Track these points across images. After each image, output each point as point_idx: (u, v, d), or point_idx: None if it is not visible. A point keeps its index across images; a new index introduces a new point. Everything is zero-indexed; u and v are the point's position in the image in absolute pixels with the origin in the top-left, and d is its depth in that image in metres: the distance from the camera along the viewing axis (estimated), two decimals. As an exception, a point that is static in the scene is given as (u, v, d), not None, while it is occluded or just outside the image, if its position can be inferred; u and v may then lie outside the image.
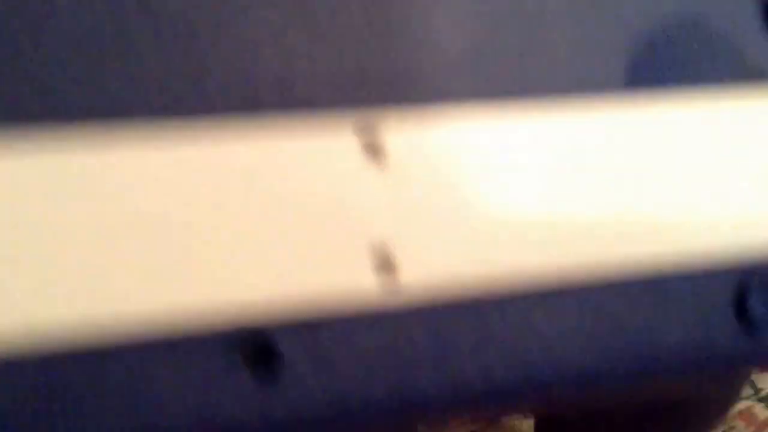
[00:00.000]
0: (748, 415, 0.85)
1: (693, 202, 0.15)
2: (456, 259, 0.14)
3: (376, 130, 0.13)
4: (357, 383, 0.13)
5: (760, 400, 0.85)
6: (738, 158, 0.15)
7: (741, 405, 0.84)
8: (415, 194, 0.14)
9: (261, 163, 0.13)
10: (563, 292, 0.14)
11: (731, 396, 0.46)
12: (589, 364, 0.14)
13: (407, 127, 0.13)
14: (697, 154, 0.15)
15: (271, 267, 0.13)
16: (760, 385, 0.83)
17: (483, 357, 0.14)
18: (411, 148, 0.14)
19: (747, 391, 0.83)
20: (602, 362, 0.14)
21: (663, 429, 0.44)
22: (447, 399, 0.15)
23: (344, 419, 0.13)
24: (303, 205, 0.13)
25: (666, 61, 0.15)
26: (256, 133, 0.13)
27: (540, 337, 0.14)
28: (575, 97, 0.14)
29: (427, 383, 0.14)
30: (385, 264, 0.13)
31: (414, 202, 0.13)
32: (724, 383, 0.43)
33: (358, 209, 0.13)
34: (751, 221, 0.15)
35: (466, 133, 0.14)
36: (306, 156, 0.13)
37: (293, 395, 0.13)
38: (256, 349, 0.13)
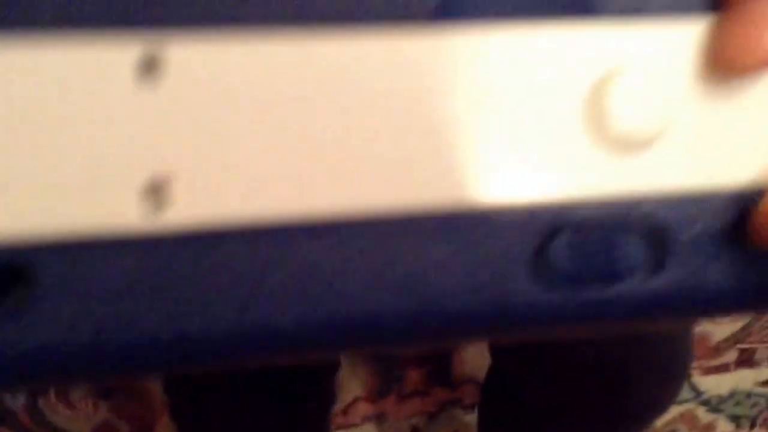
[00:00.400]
0: (690, 418, 0.86)
1: (498, 141, 0.14)
2: (231, 190, 0.13)
3: (157, 47, 0.13)
4: (117, 312, 0.13)
5: (702, 403, 0.86)
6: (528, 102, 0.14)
7: (682, 408, 0.85)
8: (193, 120, 0.13)
9: (28, 81, 0.13)
10: (344, 226, 0.14)
11: (675, 371, 0.45)
12: (370, 303, 0.14)
13: (191, 47, 0.13)
14: (500, 95, 0.14)
15: (27, 190, 0.13)
16: (702, 388, 0.84)
17: (243, 291, 0.13)
18: (191, 70, 0.13)
19: (688, 393, 0.84)
20: (384, 303, 0.14)
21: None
22: (210, 336, 0.14)
23: (101, 351, 0.13)
24: (67, 125, 0.13)
25: None
26: (33, 51, 0.13)
27: (320, 271, 0.14)
28: (365, 26, 0.14)
29: (193, 316, 0.13)
30: (155, 191, 0.13)
31: (190, 128, 0.13)
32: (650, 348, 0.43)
33: (127, 132, 0.13)
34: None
35: (251, 58, 0.13)
36: (75, 73, 0.13)
37: (48, 324, 0.13)
38: (4, 273, 0.13)
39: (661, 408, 0.49)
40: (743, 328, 0.75)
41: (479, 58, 0.14)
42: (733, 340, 0.76)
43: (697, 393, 0.84)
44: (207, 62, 0.13)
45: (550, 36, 0.14)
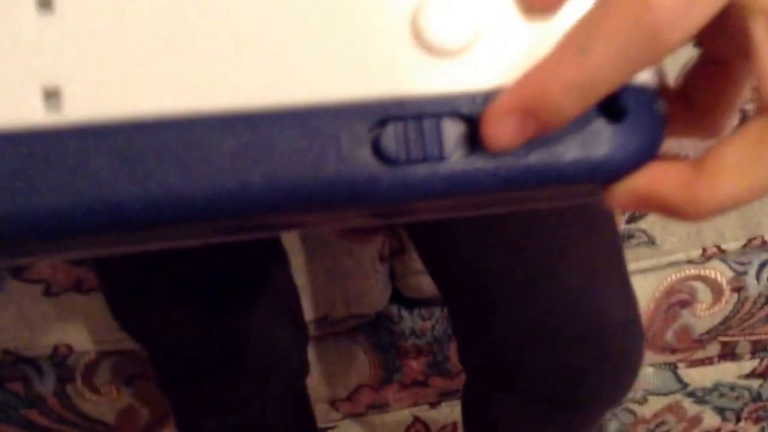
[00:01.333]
0: (677, 410, 0.90)
1: (339, 47, 0.18)
2: (112, 91, 0.18)
3: None
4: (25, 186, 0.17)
5: (689, 394, 0.90)
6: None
7: (670, 399, 0.89)
8: (82, 35, 0.18)
9: None
10: (215, 118, 0.18)
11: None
12: (237, 179, 0.18)
13: None
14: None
15: None
16: (687, 380, 0.88)
17: (134, 174, 0.18)
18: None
19: (675, 385, 0.88)
20: (250, 179, 0.18)
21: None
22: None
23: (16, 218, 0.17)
24: None
25: None
26: None
27: (205, 157, 0.18)
28: None
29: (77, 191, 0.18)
30: (54, 94, 0.17)
31: (81, 42, 0.18)
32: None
33: (31, 48, 0.17)
34: (387, 62, 0.18)
35: None
36: None
37: None
38: None
39: (615, 402, 0.53)
40: (722, 322, 0.79)
41: None
42: (715, 332, 0.80)
43: (684, 385, 0.89)
44: None
45: None
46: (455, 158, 0.19)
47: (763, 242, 0.75)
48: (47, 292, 0.65)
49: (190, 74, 0.18)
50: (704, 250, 0.75)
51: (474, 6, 0.19)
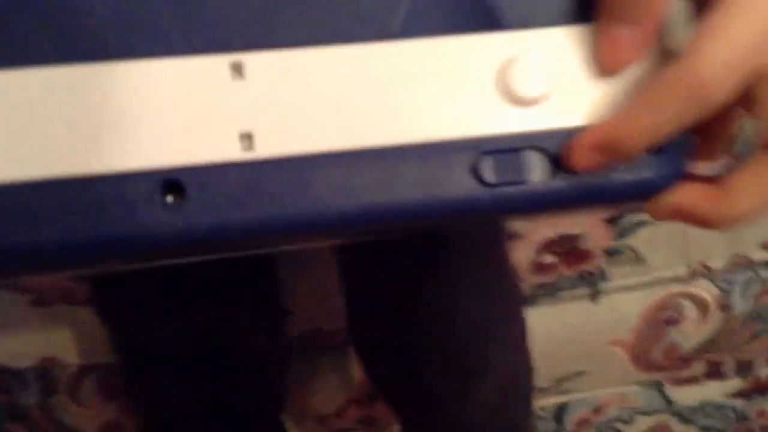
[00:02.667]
0: (664, 430, 0.90)
1: (442, 96, 0.26)
2: (298, 131, 0.25)
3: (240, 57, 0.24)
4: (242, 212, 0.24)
5: (675, 414, 0.90)
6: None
7: (656, 419, 0.89)
8: (268, 92, 0.25)
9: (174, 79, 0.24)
10: (352, 155, 0.25)
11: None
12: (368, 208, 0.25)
13: (265, 56, 0.24)
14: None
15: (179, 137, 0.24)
16: (673, 399, 0.89)
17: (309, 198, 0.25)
18: (266, 68, 0.24)
19: (661, 404, 0.89)
20: (375, 207, 0.25)
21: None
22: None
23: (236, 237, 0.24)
24: (188, 102, 0.24)
25: None
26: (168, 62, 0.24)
27: (353, 181, 0.25)
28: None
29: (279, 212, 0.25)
30: (247, 136, 0.24)
31: (268, 97, 0.25)
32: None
33: (227, 104, 0.24)
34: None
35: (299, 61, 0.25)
36: (186, 73, 0.24)
37: (205, 213, 0.24)
38: (168, 184, 0.23)
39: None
40: (709, 340, 0.80)
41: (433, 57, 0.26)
42: (701, 350, 0.81)
43: (670, 403, 0.89)
44: (274, 64, 0.24)
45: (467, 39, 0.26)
46: (537, 181, 0.25)
47: (749, 261, 0.76)
48: (36, 302, 0.65)
49: (343, 120, 0.24)
50: (690, 268, 0.76)
51: (550, 65, 0.25)
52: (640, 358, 0.81)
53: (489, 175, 0.25)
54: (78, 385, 0.70)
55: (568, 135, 0.25)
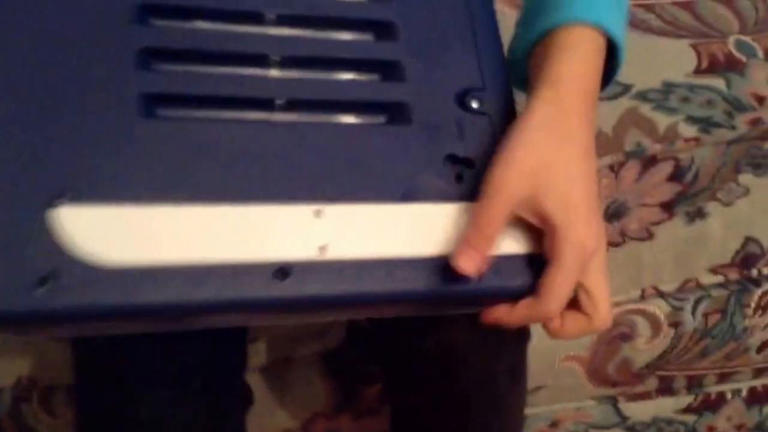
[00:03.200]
0: (617, 443, 0.94)
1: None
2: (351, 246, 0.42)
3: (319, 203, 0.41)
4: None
5: (628, 429, 0.94)
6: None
7: (610, 433, 0.93)
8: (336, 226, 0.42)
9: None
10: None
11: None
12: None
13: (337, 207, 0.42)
14: None
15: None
16: (626, 414, 0.92)
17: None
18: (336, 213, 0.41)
19: (614, 418, 0.92)
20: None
21: None
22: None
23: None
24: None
25: None
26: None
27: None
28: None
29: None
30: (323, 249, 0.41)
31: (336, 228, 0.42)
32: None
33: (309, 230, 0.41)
34: None
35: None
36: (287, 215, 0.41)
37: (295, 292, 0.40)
38: (279, 269, 0.41)
39: None
40: (661, 356, 0.84)
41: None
42: (653, 367, 0.85)
43: (623, 418, 0.93)
44: (341, 211, 0.42)
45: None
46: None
47: (698, 284, 0.80)
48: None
49: (372, 238, 0.43)
50: (643, 291, 0.80)
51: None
52: (596, 373, 0.84)
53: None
54: (50, 394, 0.72)
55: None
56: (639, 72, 0.77)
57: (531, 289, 0.42)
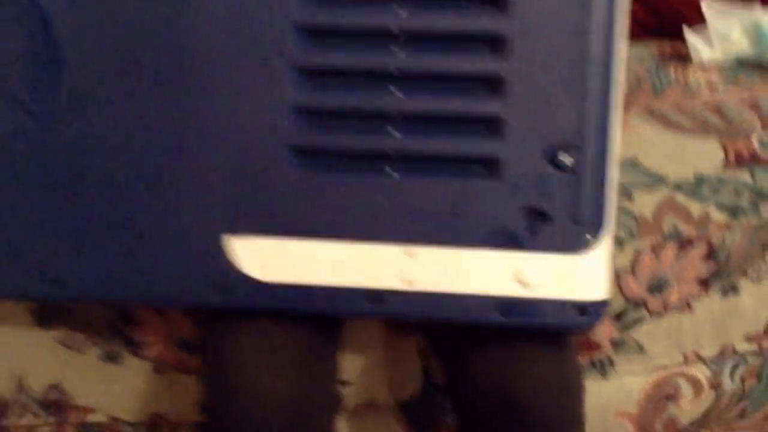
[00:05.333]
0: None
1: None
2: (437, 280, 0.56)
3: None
4: None
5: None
6: None
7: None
8: (422, 264, 0.56)
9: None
10: None
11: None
12: None
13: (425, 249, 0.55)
14: None
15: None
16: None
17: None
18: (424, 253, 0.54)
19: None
20: None
21: None
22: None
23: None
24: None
25: None
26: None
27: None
28: None
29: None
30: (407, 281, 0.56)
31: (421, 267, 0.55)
32: None
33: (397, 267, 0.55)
34: None
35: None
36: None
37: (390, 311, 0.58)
38: (369, 294, 0.58)
39: None
40: (704, 415, 0.93)
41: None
42: (697, 425, 0.94)
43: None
44: (427, 252, 0.56)
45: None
46: None
47: (734, 350, 0.90)
48: (156, 370, 0.82)
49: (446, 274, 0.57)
50: (685, 355, 0.91)
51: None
52: (645, 430, 0.94)
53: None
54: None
55: None
56: (673, 166, 0.88)
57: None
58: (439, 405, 0.88)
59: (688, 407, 0.92)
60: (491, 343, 0.63)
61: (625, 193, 0.81)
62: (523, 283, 0.52)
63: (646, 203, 0.85)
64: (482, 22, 0.50)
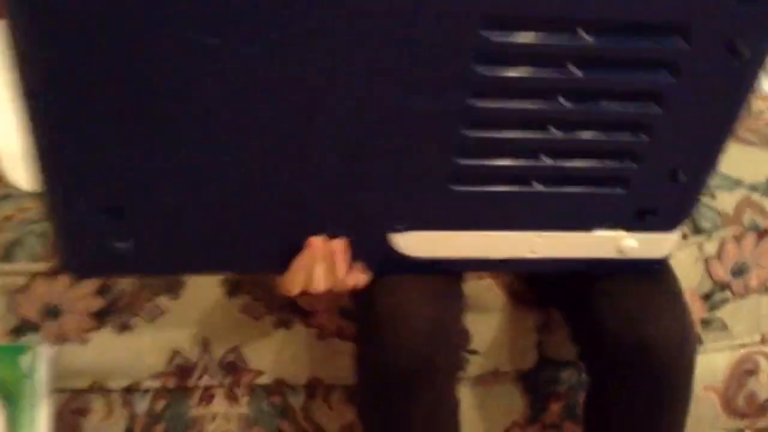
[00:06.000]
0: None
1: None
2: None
3: None
4: None
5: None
6: None
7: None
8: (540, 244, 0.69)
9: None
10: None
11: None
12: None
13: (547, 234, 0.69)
14: None
15: None
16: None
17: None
18: (545, 240, 0.69)
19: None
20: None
21: None
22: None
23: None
24: None
25: None
26: None
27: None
28: None
29: None
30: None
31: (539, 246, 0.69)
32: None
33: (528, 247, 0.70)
34: None
35: None
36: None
37: None
38: None
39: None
40: (784, 388, 1.06)
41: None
42: (777, 400, 1.07)
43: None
44: (549, 239, 0.69)
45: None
46: None
47: (808, 331, 1.04)
48: (319, 336, 0.97)
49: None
50: (762, 335, 1.05)
51: None
52: (730, 405, 1.07)
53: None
54: (330, 393, 1.01)
55: None
56: (747, 172, 1.04)
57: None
58: (553, 377, 1.03)
59: (766, 382, 1.05)
60: (623, 299, 0.75)
61: (709, 193, 0.98)
62: (621, 252, 0.68)
63: (727, 201, 1.00)
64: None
